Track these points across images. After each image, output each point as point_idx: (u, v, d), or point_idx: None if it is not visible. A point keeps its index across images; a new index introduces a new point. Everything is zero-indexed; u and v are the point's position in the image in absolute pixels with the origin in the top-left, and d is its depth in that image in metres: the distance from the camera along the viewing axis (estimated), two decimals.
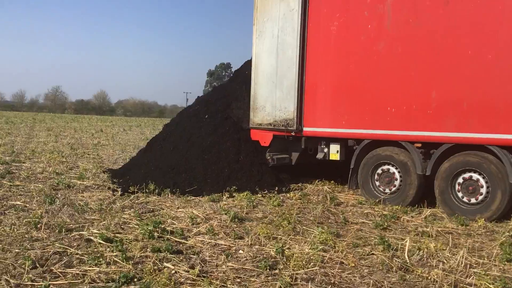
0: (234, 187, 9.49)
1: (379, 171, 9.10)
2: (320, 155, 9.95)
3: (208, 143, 10.30)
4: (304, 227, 6.98)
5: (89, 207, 7.93)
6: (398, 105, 8.60)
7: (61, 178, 10.49)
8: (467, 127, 7.86)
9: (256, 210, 8.09)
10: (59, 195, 8.91)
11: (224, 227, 6.86)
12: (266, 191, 9.65)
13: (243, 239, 6.32)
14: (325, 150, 9.89)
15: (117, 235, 6.26)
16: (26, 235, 6.19)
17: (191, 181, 9.66)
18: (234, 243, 6.09)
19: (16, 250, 5.56)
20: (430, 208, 8.56)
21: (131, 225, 6.86)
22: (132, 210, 7.84)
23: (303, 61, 9.78)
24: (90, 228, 6.60)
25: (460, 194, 8.13)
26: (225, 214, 7.58)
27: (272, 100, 10.26)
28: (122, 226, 6.80)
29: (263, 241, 6.15)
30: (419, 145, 8.50)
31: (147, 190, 9.31)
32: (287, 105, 9.99)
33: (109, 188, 9.79)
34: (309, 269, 5.12)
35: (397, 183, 8.87)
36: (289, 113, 9.97)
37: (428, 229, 7.13)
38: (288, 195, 9.57)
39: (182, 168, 9.97)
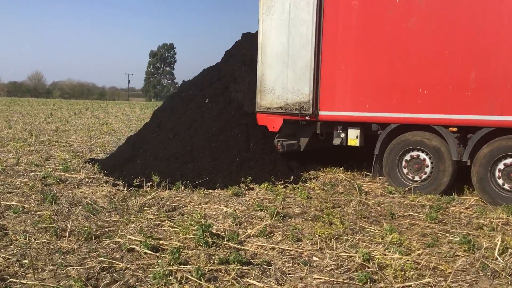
0: (249, 177, 8.65)
1: (408, 157, 8.49)
2: (336, 141, 9.24)
3: (214, 130, 9.39)
4: (360, 224, 6.24)
5: (101, 206, 6.92)
6: (431, 86, 7.98)
7: (47, 171, 9.33)
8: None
9: (288, 204, 7.29)
10: (55, 191, 7.80)
11: (272, 226, 6.03)
12: (282, 181, 8.86)
13: (302, 241, 5.53)
14: (342, 135, 9.19)
15: (158, 241, 5.33)
16: (51, 246, 5.17)
17: (199, 172, 8.76)
18: (299, 247, 5.30)
19: (51, 267, 4.57)
20: (461, 195, 8.06)
21: (165, 228, 5.93)
22: (153, 208, 6.87)
23: (319, 39, 8.98)
24: (121, 233, 5.63)
25: (500, 181, 7.63)
26: (261, 210, 6.78)
27: (282, 82, 9.43)
28: (155, 230, 5.86)
29: (330, 244, 5.38)
30: (455, 129, 7.94)
31: (151, 183, 8.33)
32: (301, 87, 9.20)
33: (107, 182, 8.75)
34: (416, 282, 4.39)
35: (428, 170, 8.29)
36: (304, 95, 9.18)
37: (484, 221, 6.57)
38: (308, 185, 8.80)
39: (187, 158, 9.04)
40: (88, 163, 10.71)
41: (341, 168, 10.30)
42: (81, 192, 7.93)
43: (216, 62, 11.45)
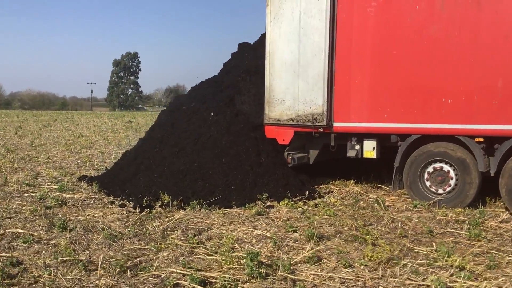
0: (265, 194, 8.18)
1: (430, 169, 8.17)
2: (351, 153, 8.86)
3: (223, 145, 8.89)
4: (407, 245, 5.84)
5: (118, 231, 6.34)
6: (455, 95, 7.70)
7: (42, 192, 8.68)
8: None
9: (317, 223, 6.83)
10: (60, 215, 7.19)
11: (315, 250, 5.57)
12: (298, 196, 8.43)
13: (355, 267, 5.09)
14: (357, 147, 8.82)
15: (204, 274, 4.81)
16: (84, 284, 4.59)
17: (211, 189, 8.26)
18: (358, 275, 4.85)
19: None
20: (488, 207, 7.81)
21: (201, 256, 5.42)
22: (177, 232, 6.34)
23: (332, 47, 8.60)
24: (155, 264, 5.09)
25: None
26: (294, 231, 6.33)
27: (293, 92, 9.02)
28: (191, 259, 5.34)
29: (389, 270, 4.96)
30: (481, 139, 7.65)
31: (162, 203, 7.81)
32: (314, 97, 8.80)
33: (112, 202, 8.15)
34: None
35: (452, 182, 7.99)
36: (317, 106, 8.78)
37: None
38: (326, 200, 8.38)
39: (196, 175, 8.51)
40: (83, 181, 10.06)
41: (351, 181, 9.89)
42: (88, 215, 7.32)
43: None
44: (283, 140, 9.29)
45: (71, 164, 12.85)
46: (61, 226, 6.45)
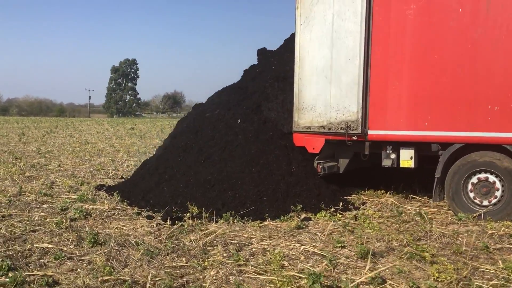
0: (299, 205, 7.76)
1: (474, 180, 7.77)
2: (386, 162, 8.44)
3: (253, 153, 8.48)
4: (470, 263, 5.42)
5: (154, 246, 5.92)
6: (503, 102, 7.33)
7: (63, 202, 8.26)
8: None
9: (364, 237, 6.40)
10: (87, 228, 6.75)
11: (372, 268, 5.14)
12: (332, 208, 8.01)
13: None
14: (393, 156, 8.41)
15: None
16: None
17: (242, 200, 7.84)
18: None
19: None
20: None
21: (251, 275, 4.99)
22: (218, 247, 5.91)
23: (368, 52, 8.21)
24: (204, 284, 4.67)
25: None
26: (342, 247, 5.91)
27: (325, 99, 8.61)
28: (241, 278, 4.92)
29: None
30: None
31: (190, 214, 7.41)
32: (348, 104, 8.40)
33: (138, 213, 7.71)
34: None
35: (498, 194, 7.59)
36: (351, 113, 8.38)
37: None
38: (363, 212, 7.96)
39: (225, 185, 8.09)
40: (101, 191, 9.62)
41: (382, 191, 9.49)
42: (116, 227, 6.89)
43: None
44: (313, 148, 8.88)
45: (84, 172, 12.40)
46: (92, 240, 6.01)
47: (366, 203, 8.67)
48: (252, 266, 5.21)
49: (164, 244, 6.07)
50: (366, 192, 9.57)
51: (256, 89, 9.77)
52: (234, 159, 8.41)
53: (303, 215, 7.60)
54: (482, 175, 7.70)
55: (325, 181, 8.80)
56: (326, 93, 8.60)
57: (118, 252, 5.69)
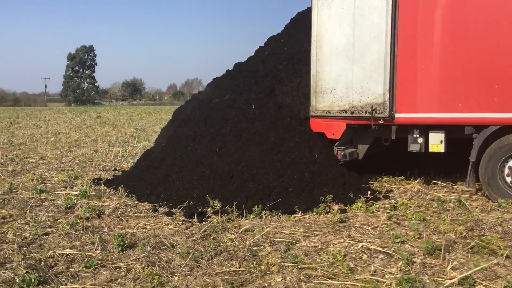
0: (329, 196, 7.20)
1: (511, 163, 7.34)
2: (414, 147, 7.96)
3: (272, 141, 7.85)
4: None
5: (192, 247, 5.26)
6: None
7: (65, 199, 7.53)
8: None
9: (412, 230, 5.89)
10: (106, 229, 6.04)
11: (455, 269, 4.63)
12: (362, 198, 7.49)
13: None
14: (420, 140, 7.93)
15: None
16: None
17: (266, 192, 7.22)
18: None
19: None
20: None
21: (323, 281, 4.41)
22: (265, 247, 5.30)
23: (394, 29, 7.66)
24: None
25: None
26: (402, 242, 5.38)
27: (346, 81, 8.05)
28: (313, 285, 4.30)
29: None
30: None
31: (212, 209, 6.78)
32: (373, 86, 7.86)
33: (155, 209, 7.03)
34: None
35: None
36: (376, 96, 7.84)
37: None
38: (394, 201, 7.45)
39: (245, 176, 7.45)
40: (101, 185, 8.84)
41: (401, 177, 9.02)
42: (138, 227, 6.18)
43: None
44: (333, 134, 8.32)
45: (71, 165, 11.55)
46: (120, 243, 5.29)
47: (392, 190, 8.17)
48: (320, 269, 4.58)
49: (201, 245, 5.42)
50: (385, 178, 9.08)
51: (268, 72, 9.10)
52: (252, 148, 7.76)
53: (336, 206, 7.06)
54: None
55: (348, 169, 8.24)
56: (348, 74, 8.03)
57: (156, 257, 5.00)
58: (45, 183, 9.14)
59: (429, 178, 8.76)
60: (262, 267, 4.68)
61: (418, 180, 8.63)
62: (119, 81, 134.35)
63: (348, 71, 8.03)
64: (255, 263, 4.80)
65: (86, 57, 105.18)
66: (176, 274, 4.57)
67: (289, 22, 10.68)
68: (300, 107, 8.61)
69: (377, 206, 7.01)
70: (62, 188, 8.69)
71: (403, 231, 5.87)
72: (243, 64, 10.09)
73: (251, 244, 5.39)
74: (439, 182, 8.64)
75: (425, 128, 7.87)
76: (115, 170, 10.72)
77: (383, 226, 6.12)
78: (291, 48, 9.38)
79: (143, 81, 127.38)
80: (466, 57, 7.30)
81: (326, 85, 8.20)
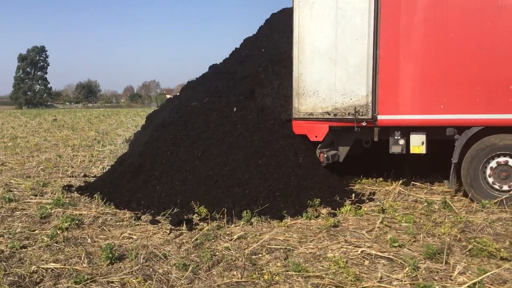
0: (317, 199, 7.09)
1: (493, 164, 7.42)
2: (395, 149, 7.95)
3: (256, 144, 7.69)
4: None
5: (187, 258, 5.04)
6: None
7: (37, 208, 7.17)
8: None
9: (411, 234, 5.83)
10: (89, 240, 5.75)
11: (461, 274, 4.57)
12: (346, 200, 7.42)
13: None
14: (401, 142, 7.92)
15: None
16: None
17: (253, 197, 7.06)
18: None
19: None
20: None
21: None
22: (264, 256, 5.14)
23: (377, 30, 7.62)
24: None
25: None
26: (399, 246, 5.33)
27: (329, 82, 7.97)
28: None
29: None
30: None
31: (199, 216, 6.59)
32: (356, 87, 7.80)
33: (137, 218, 6.74)
34: None
35: None
36: (360, 97, 7.79)
37: None
38: (379, 203, 7.41)
39: (229, 180, 7.26)
40: (73, 192, 8.47)
41: (380, 178, 9.01)
42: (124, 237, 5.89)
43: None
44: (316, 136, 8.22)
45: (36, 171, 11.07)
46: (109, 256, 5.01)
47: (375, 193, 8.11)
48: (326, 278, 4.44)
49: (196, 254, 5.20)
50: (364, 180, 9.04)
51: (247, 73, 8.93)
52: (236, 151, 7.57)
53: (324, 210, 6.94)
54: (502, 159, 7.36)
55: (331, 172, 8.15)
56: (331, 76, 7.95)
57: (150, 269, 4.76)
58: (11, 191, 8.68)
59: (407, 179, 8.75)
60: (265, 276, 4.51)
61: (398, 182, 8.58)
62: (73, 83, 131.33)
63: (331, 73, 7.94)
64: (257, 273, 4.62)
65: (37, 58, 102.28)
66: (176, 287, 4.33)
67: (264, 23, 10.55)
68: (281, 109, 8.48)
69: (365, 209, 6.93)
70: (32, 196, 8.27)
71: (397, 234, 5.79)
72: (220, 66, 9.89)
73: (249, 252, 5.19)
74: (418, 183, 8.64)
75: (407, 130, 7.87)
76: (85, 176, 10.32)
77: (377, 229, 6.02)
78: (269, 49, 9.24)
79: (98, 83, 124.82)
80: (448, 58, 7.32)
81: (308, 87, 8.10)
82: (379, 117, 7.76)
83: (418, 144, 7.81)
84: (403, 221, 6.34)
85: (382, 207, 6.92)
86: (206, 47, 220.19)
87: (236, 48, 10.13)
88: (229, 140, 7.75)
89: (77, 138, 19.42)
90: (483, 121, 7.29)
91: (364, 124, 7.85)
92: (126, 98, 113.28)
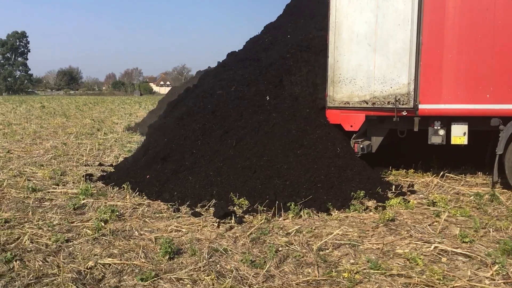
0: (363, 192, 6.82)
1: None
2: (436, 139, 7.70)
3: (294, 133, 7.38)
4: None
5: (250, 253, 4.72)
6: None
7: (66, 198, 6.86)
8: None
9: (470, 228, 5.59)
10: (136, 233, 5.41)
11: None
12: (389, 192, 7.17)
13: None
14: (441, 132, 7.66)
15: None
16: None
17: (295, 188, 6.76)
18: None
19: None
20: None
21: None
22: (333, 251, 4.83)
23: (420, 16, 7.34)
24: None
25: None
26: (470, 242, 5.06)
27: (367, 70, 7.67)
28: None
29: None
30: None
31: (239, 207, 6.36)
32: (396, 75, 7.52)
33: (177, 210, 6.40)
34: None
35: None
36: (401, 86, 7.51)
37: None
38: (423, 195, 7.17)
39: (268, 171, 6.95)
40: (97, 182, 8.09)
41: (410, 170, 8.76)
42: (172, 230, 5.57)
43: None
44: (351, 126, 7.94)
45: (47, 159, 10.61)
46: (168, 250, 4.67)
47: (413, 185, 7.85)
48: (416, 277, 4.16)
49: (257, 250, 4.89)
50: (394, 171, 8.79)
51: (273, 61, 8.58)
52: (273, 141, 7.26)
53: (369, 203, 6.70)
54: None
55: (367, 162, 7.88)
56: (369, 63, 7.65)
57: (217, 265, 4.44)
58: (29, 180, 8.26)
59: (438, 170, 8.52)
60: (345, 274, 4.20)
61: (430, 173, 8.37)
62: (54, 69, 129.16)
63: (369, 60, 7.65)
64: (333, 271, 4.31)
65: (18, 43, 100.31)
66: (255, 286, 4.01)
67: (286, 8, 10.20)
68: (309, 98, 8.16)
69: (415, 202, 6.65)
70: (54, 186, 7.87)
71: (461, 229, 5.54)
72: (240, 53, 9.55)
73: (317, 248, 4.89)
74: (451, 175, 8.42)
75: (447, 120, 7.61)
76: (100, 165, 9.92)
77: (435, 224, 5.77)
78: (295, 35, 8.89)
79: (80, 70, 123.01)
80: (495, 46, 7.06)
81: (345, 74, 7.79)
82: (420, 106, 7.49)
83: (459, 134, 7.57)
84: (457, 214, 6.08)
85: (432, 200, 6.65)
86: (190, 36, 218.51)
87: (256, 35, 9.80)
88: (265, 130, 7.43)
89: (74, 126, 18.88)
90: None
91: (404, 113, 7.58)
92: (108, 85, 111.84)
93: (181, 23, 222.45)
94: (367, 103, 7.72)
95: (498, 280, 4.10)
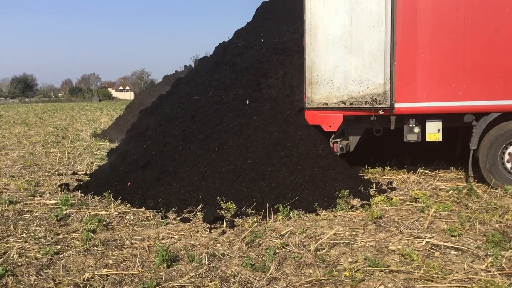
0: (347, 191, 6.94)
1: (511, 150, 7.48)
2: (411, 137, 7.89)
3: (276, 135, 7.44)
4: None
5: (249, 257, 4.75)
6: None
7: (46, 210, 6.74)
8: None
9: (455, 222, 5.77)
10: (127, 241, 5.36)
11: None
12: (370, 190, 7.32)
13: None
14: (416, 130, 7.87)
15: None
16: None
17: (281, 190, 6.82)
18: None
19: None
20: None
21: (428, 285, 4.09)
22: (331, 251, 4.90)
23: (393, 17, 7.52)
24: None
25: None
26: (457, 235, 5.22)
27: (344, 71, 7.80)
28: None
29: None
30: None
31: (227, 211, 6.38)
32: (372, 76, 7.67)
33: (164, 216, 6.37)
34: None
35: None
36: (377, 86, 7.67)
37: None
38: (403, 192, 7.35)
39: (252, 174, 7.00)
40: (64, 190, 7.97)
41: (386, 167, 8.95)
42: (164, 237, 5.56)
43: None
44: (330, 126, 8.05)
45: (17, 170, 10.34)
46: (165, 258, 4.66)
47: (392, 182, 8.02)
48: (416, 272, 4.27)
49: (254, 253, 4.92)
50: (371, 169, 8.96)
51: (248, 64, 8.62)
52: (256, 144, 7.30)
53: (354, 201, 6.82)
54: None
55: (346, 162, 8.02)
56: (346, 64, 7.77)
57: (218, 271, 4.45)
58: (3, 192, 8.06)
59: (410, 167, 8.74)
60: (346, 273, 4.28)
61: (405, 170, 8.58)
62: (8, 77, 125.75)
63: (346, 61, 7.77)
64: (334, 270, 4.38)
65: None
66: None
67: (257, 12, 10.26)
68: (287, 100, 8.24)
69: (397, 199, 6.81)
70: (30, 197, 7.70)
71: (447, 223, 5.70)
72: (213, 58, 9.56)
73: (314, 249, 4.95)
74: (426, 171, 8.65)
75: (422, 118, 7.82)
76: (74, 174, 9.74)
77: (421, 219, 5.92)
78: (269, 39, 8.96)
79: (35, 77, 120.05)
80: (468, 45, 7.29)
81: (322, 75, 7.90)
82: (396, 105, 7.66)
83: (434, 131, 7.78)
84: (440, 209, 6.26)
85: (414, 197, 6.81)
86: (149, 40, 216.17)
87: (225, 40, 9.87)
88: (247, 133, 7.46)
89: (38, 135, 18.46)
90: (503, 107, 7.33)
91: (381, 112, 7.74)
92: (65, 92, 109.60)
93: (139, 27, 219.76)
94: (344, 104, 7.84)
95: (493, 271, 4.24)
